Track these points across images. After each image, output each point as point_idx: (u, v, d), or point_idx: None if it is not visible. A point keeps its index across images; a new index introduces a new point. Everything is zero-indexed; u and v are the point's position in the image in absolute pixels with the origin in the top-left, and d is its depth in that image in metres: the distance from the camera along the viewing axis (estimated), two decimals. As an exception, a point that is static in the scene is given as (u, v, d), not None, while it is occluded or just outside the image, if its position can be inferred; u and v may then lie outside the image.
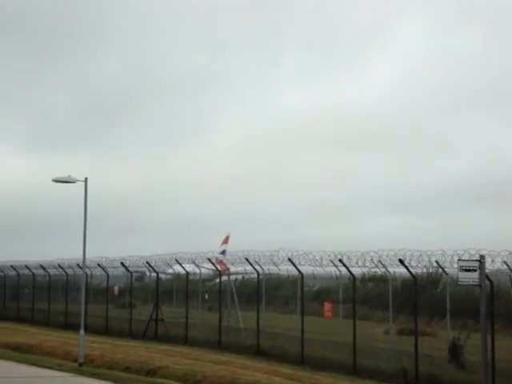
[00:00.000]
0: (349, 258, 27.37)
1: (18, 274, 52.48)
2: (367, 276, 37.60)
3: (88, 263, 35.52)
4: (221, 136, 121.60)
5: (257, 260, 32.10)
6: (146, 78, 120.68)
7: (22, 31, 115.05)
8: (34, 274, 50.69)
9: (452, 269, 23.90)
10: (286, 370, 25.46)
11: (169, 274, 44.71)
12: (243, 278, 40.92)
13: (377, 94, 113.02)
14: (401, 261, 24.80)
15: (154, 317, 37.69)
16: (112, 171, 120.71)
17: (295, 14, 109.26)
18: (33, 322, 47.92)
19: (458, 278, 19.07)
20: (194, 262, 36.49)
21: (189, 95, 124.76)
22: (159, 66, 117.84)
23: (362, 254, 26.98)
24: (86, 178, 28.76)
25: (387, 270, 27.60)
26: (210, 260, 34.87)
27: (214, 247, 35.02)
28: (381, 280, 34.49)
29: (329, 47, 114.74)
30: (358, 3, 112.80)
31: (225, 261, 35.94)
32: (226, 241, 42.39)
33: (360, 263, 27.33)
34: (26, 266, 50.66)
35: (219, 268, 35.44)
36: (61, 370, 26.42)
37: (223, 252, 38.64)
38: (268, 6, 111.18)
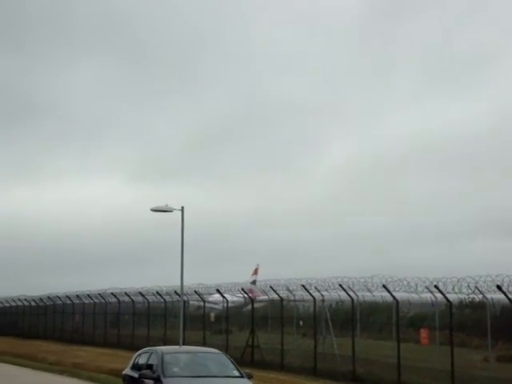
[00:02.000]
0: (444, 284, 27.15)
1: (119, 301, 54.03)
2: (464, 302, 36.99)
3: (185, 290, 36.38)
4: (323, 162, 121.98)
5: (351, 286, 32.17)
6: (254, 106, 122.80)
7: (136, 61, 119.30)
8: (133, 301, 52.11)
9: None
10: (382, 397, 25.38)
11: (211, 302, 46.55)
12: (337, 303, 40.91)
13: (480, 116, 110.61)
14: (498, 287, 24.45)
15: (250, 343, 38.15)
16: (217, 198, 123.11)
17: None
18: (133, 347, 49.10)
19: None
20: (287, 289, 36.91)
21: (293, 122, 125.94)
22: (266, 94, 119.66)
23: (459, 280, 26.73)
24: (182, 207, 29.65)
25: (485, 297, 27.19)
26: (242, 289, 39.96)
27: (309, 273, 35.48)
28: (478, 306, 33.88)
29: (439, 68, 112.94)
30: (470, 24, 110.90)
31: (255, 289, 41.44)
32: (255, 272, 49.51)
33: (456, 289, 27.07)
34: (126, 294, 52.12)
35: (251, 296, 39.97)
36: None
37: (254, 282, 44.53)
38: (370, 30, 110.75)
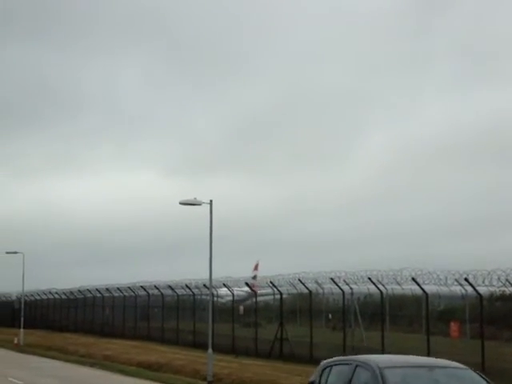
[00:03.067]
0: (475, 276, 26.99)
1: (148, 295, 54.40)
2: (495, 295, 36.71)
3: (214, 283, 36.54)
4: (358, 152, 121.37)
5: (379, 279, 32.09)
6: (293, 98, 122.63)
7: (177, 55, 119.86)
8: (163, 294, 52.45)
9: None
10: (412, 390, 25.25)
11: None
12: (366, 296, 40.83)
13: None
14: (529, 279, 24.25)
15: (279, 336, 38.22)
16: (252, 191, 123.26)
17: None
18: (163, 340, 49.52)
19: None
20: (316, 282, 36.93)
21: (330, 111, 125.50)
22: (307, 85, 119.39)
23: (489, 273, 26.56)
24: (211, 201, 29.68)
25: (515, 289, 26.99)
26: (246, 284, 42.31)
27: (341, 266, 35.51)
28: (509, 299, 33.60)
29: (483, 53, 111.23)
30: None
31: (256, 284, 43.15)
32: (256, 267, 50.39)
33: (487, 282, 26.89)
34: (156, 287, 52.46)
35: (253, 290, 41.84)
36: (191, 387, 27.33)
37: (254, 277, 45.53)
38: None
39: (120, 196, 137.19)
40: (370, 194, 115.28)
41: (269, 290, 41.65)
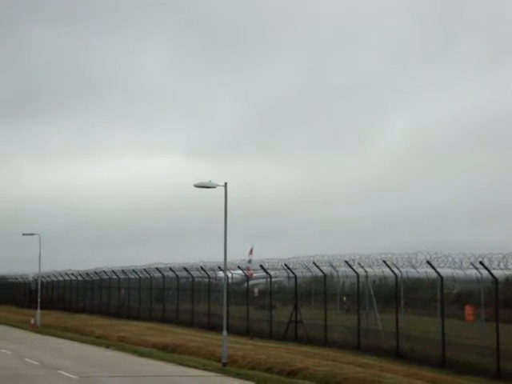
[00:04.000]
0: (490, 260, 26.85)
1: (163, 277, 54.64)
2: (510, 279, 36.54)
3: (228, 266, 36.60)
4: (382, 137, 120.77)
5: (394, 262, 32.01)
6: (314, 83, 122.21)
7: (199, 38, 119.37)
8: (178, 276, 52.65)
9: None
10: (426, 373, 25.32)
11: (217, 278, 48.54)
12: (380, 280, 40.76)
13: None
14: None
15: (293, 318, 38.32)
16: (272, 174, 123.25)
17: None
18: (178, 322, 49.77)
19: None
20: (330, 265, 36.90)
21: (354, 97, 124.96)
22: (329, 69, 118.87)
23: (504, 256, 26.41)
24: (225, 183, 29.72)
25: (531, 273, 26.84)
26: (239, 267, 43.89)
27: (356, 250, 35.29)
28: (525, 282, 33.47)
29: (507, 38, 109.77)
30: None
31: (251, 268, 45.07)
32: (250, 252, 54.28)
33: (502, 265, 26.75)
34: (171, 269, 52.65)
35: (247, 274, 43.90)
36: (206, 369, 27.48)
37: (249, 261, 47.89)
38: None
39: (139, 179, 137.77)
40: (389, 179, 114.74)
41: (263, 274, 42.63)
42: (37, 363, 29.00)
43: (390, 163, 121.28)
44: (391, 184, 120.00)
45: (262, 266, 41.23)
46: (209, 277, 48.36)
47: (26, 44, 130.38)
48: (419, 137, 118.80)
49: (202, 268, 48.61)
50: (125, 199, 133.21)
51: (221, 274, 45.32)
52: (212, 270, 47.16)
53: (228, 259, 30.39)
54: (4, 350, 34.59)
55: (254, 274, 45.01)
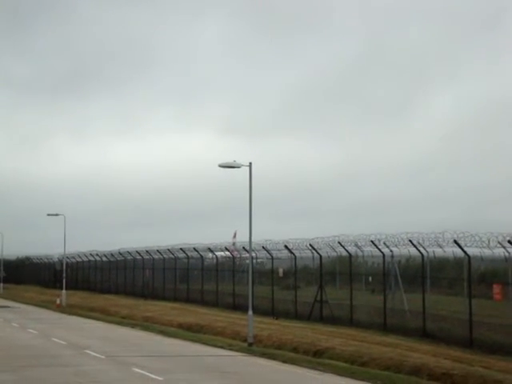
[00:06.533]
0: (518, 239, 26.48)
1: (188, 257, 54.72)
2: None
3: (253, 246, 36.55)
4: (427, 116, 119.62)
5: (420, 242, 31.73)
6: (367, 60, 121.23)
7: (248, 19, 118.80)
8: (202, 256, 52.70)
9: None
10: (454, 352, 25.12)
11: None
12: (407, 259, 40.48)
13: None
14: None
15: (318, 298, 38.21)
16: (308, 153, 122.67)
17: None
18: (202, 302, 49.89)
19: None
20: (356, 245, 36.66)
21: (402, 72, 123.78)
22: (379, 45, 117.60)
23: (533, 235, 26.04)
24: (250, 163, 29.51)
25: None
26: (226, 248, 48.86)
27: (383, 229, 35.04)
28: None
29: None
30: None
31: (235, 250, 49.15)
32: (234, 236, 58.59)
33: (530, 244, 26.39)
34: (195, 249, 52.69)
35: (233, 254, 48.37)
36: (231, 349, 27.46)
37: (234, 244, 51.72)
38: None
39: (173, 159, 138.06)
40: (429, 158, 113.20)
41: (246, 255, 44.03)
42: (64, 343, 29.16)
43: (434, 141, 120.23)
44: (431, 163, 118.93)
45: (286, 246, 41.11)
46: (233, 257, 48.37)
47: (77, 22, 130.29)
48: (466, 114, 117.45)
49: (226, 248, 48.60)
50: (154, 178, 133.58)
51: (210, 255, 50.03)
52: (236, 250, 47.16)
53: (254, 239, 30.27)
54: (31, 330, 34.87)
55: (243, 255, 48.54)
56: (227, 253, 50.65)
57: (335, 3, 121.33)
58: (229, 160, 29.30)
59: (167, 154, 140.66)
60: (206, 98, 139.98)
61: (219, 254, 51.02)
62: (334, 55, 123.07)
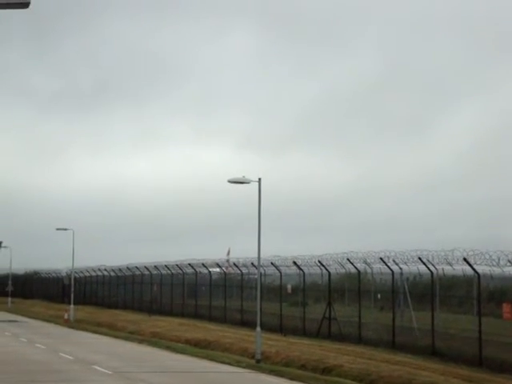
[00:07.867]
0: (528, 257, 26.34)
1: (196, 273, 54.64)
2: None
3: (262, 262, 36.47)
4: (441, 133, 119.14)
5: (430, 259, 31.60)
6: (383, 78, 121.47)
7: (271, 32, 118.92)
8: (210, 272, 52.60)
9: None
10: (463, 371, 24.94)
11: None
12: (415, 277, 40.29)
13: None
14: None
15: (326, 315, 38.03)
16: (323, 168, 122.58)
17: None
18: (210, 318, 49.74)
19: None
20: (365, 262, 36.53)
21: (416, 92, 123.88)
22: (401, 62, 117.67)
23: (543, 254, 25.88)
24: (259, 179, 29.52)
25: None
26: (217, 264, 51.23)
27: (392, 246, 34.82)
28: None
29: None
30: None
31: (229, 266, 51.72)
32: (228, 253, 62.80)
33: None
34: (203, 265, 52.62)
35: (225, 271, 51.11)
36: (239, 366, 27.33)
37: (227, 261, 54.30)
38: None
39: (188, 173, 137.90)
40: (444, 174, 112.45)
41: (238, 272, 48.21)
42: (71, 358, 29.10)
43: (446, 158, 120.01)
44: (442, 180, 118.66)
45: (294, 263, 41.00)
46: (242, 273, 48.25)
47: (99, 36, 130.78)
48: (479, 132, 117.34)
49: (234, 264, 48.49)
50: (166, 194, 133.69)
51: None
52: (245, 266, 47.03)
53: (263, 255, 30.21)
54: (38, 345, 34.83)
55: (230, 272, 51.35)
56: (223, 268, 52.03)
57: (356, 20, 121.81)
58: (241, 175, 29.32)
59: (183, 167, 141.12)
60: (225, 112, 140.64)
61: (213, 270, 52.79)
62: (352, 72, 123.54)
